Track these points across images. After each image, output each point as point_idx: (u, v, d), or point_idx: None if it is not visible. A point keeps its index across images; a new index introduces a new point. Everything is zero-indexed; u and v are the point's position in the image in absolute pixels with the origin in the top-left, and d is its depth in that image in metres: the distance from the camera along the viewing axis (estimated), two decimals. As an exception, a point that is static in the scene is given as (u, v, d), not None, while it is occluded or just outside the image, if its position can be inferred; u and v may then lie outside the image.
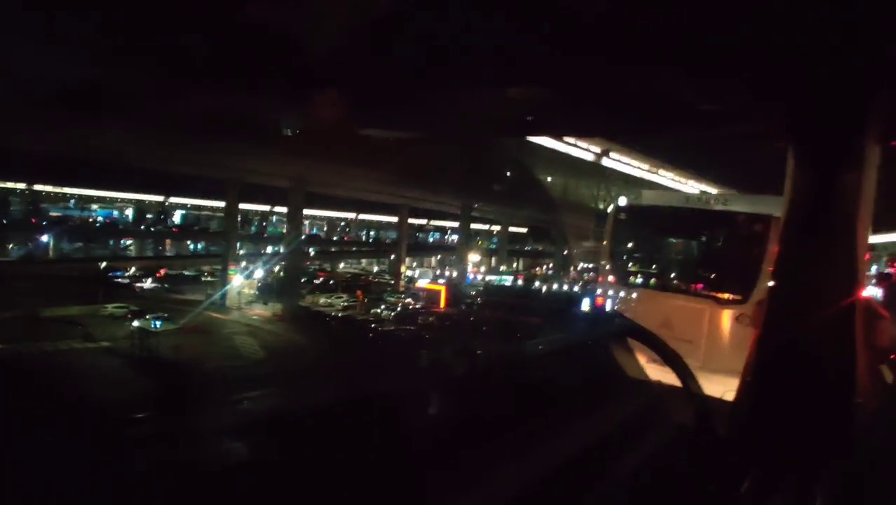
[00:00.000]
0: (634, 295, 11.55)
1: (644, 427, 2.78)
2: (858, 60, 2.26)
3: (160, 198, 58.73)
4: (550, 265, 64.31)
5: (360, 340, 31.11)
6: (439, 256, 69.99)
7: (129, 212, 61.32)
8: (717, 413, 2.74)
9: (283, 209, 47.73)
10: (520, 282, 59.62)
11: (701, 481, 2.40)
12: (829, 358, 2.45)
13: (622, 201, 12.62)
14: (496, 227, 65.79)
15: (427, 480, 1.98)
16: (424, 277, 55.27)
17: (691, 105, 3.34)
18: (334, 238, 73.40)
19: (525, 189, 40.98)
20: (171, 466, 1.69)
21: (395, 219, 58.69)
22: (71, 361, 23.07)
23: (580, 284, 48.97)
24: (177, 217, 64.15)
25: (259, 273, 43.70)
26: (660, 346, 2.88)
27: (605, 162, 35.27)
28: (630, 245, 12.43)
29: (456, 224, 58.62)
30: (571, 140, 31.96)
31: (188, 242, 62.71)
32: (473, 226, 64.53)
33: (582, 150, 31.78)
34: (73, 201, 56.75)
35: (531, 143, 28.85)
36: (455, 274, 54.82)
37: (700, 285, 11.12)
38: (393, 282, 52.08)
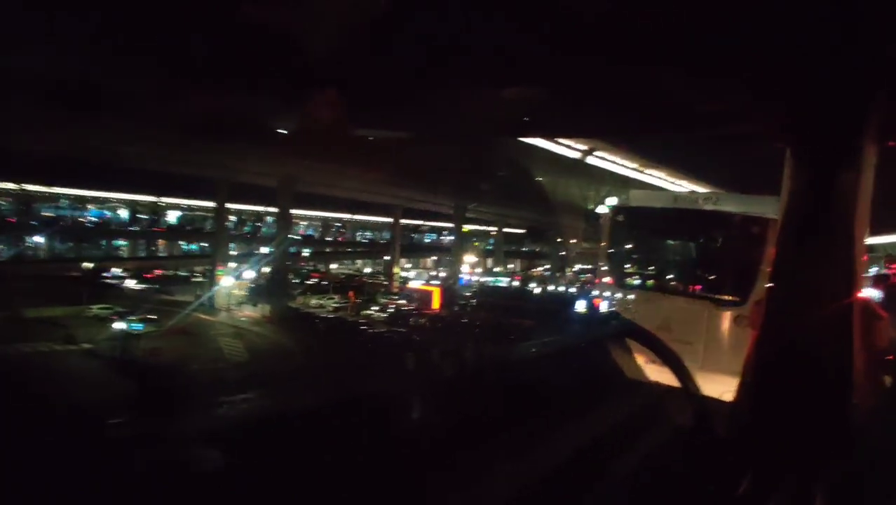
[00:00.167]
0: (632, 297, 11.57)
1: (643, 428, 2.78)
2: (858, 60, 2.26)
3: (152, 198, 58.49)
4: (548, 267, 64.32)
5: (347, 342, 30.90)
6: (435, 258, 69.99)
7: (123, 212, 61.04)
8: (716, 414, 2.75)
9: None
10: (515, 283, 59.63)
11: (699, 482, 2.40)
12: (828, 358, 2.45)
13: (612, 202, 12.68)
14: (494, 229, 65.86)
15: (421, 482, 1.96)
16: (419, 279, 55.30)
17: (691, 105, 3.35)
18: (329, 239, 73.31)
19: (519, 190, 40.86)
20: (138, 470, 1.66)
21: (390, 220, 58.69)
22: (48, 363, 22.72)
23: (577, 285, 49.12)
24: (171, 217, 63.89)
25: (249, 274, 43.44)
26: (658, 346, 2.88)
27: (598, 162, 35.01)
28: (628, 247, 12.45)
29: (452, 225, 58.59)
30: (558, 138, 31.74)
31: (181, 243, 62.48)
32: (471, 227, 64.58)
33: (565, 147, 31.45)
34: (65, 201, 56.46)
35: (525, 143, 28.74)
36: (449, 275, 54.84)
37: (698, 287, 11.14)
38: (387, 283, 52.05)
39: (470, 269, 57.48)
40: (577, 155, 32.23)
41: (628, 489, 2.38)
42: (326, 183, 43.67)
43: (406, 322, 36.36)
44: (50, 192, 53.04)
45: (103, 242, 57.55)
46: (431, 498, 1.97)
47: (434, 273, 62.35)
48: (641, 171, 35.33)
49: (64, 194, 54.64)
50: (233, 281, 41.17)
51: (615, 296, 11.70)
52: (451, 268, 56.23)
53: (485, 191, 46.52)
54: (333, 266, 63.13)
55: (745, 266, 9.57)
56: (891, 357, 3.21)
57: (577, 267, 53.22)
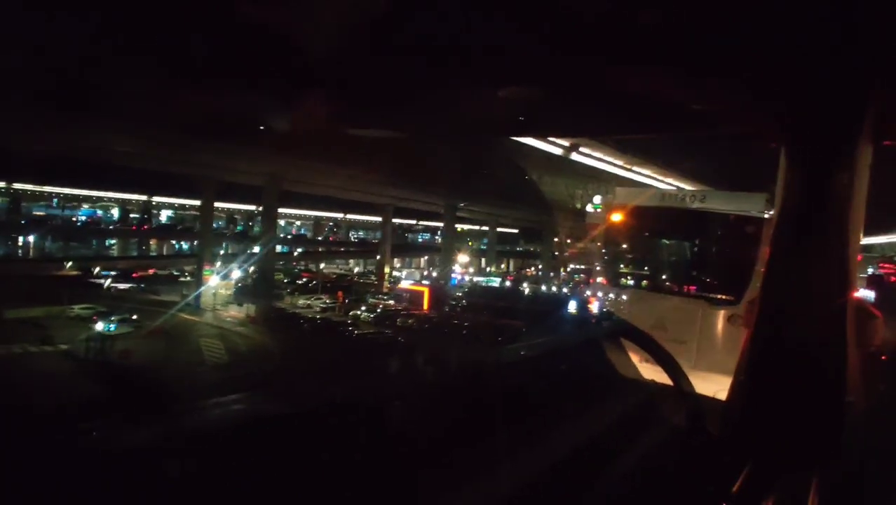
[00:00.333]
0: (626, 296, 11.61)
1: (637, 427, 2.78)
2: (857, 60, 2.27)
3: (144, 197, 58.19)
4: (540, 266, 64.31)
5: (331, 343, 30.48)
6: (427, 257, 69.92)
7: (115, 211, 60.70)
8: (710, 413, 2.74)
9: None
10: (508, 283, 59.54)
11: (694, 481, 2.40)
12: (821, 358, 2.46)
13: (598, 200, 12.78)
14: (487, 228, 65.79)
15: (413, 481, 1.96)
16: (410, 278, 55.15)
17: (689, 105, 3.35)
18: (321, 238, 73.12)
19: (511, 189, 40.67)
20: (100, 476, 1.63)
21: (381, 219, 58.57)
22: (21, 364, 22.53)
23: (570, 285, 49.08)
24: (163, 217, 63.58)
25: (236, 273, 43.05)
26: (652, 346, 2.87)
27: (583, 159, 34.64)
28: (622, 246, 12.50)
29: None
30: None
31: (173, 242, 62.18)
32: (465, 227, 64.49)
33: (549, 143, 31.16)
34: (55, 200, 56.09)
35: (516, 141, 28.59)
36: (440, 275, 54.73)
37: (692, 286, 11.20)
38: (377, 283, 51.86)
39: (463, 268, 57.41)
40: (559, 151, 31.81)
41: (623, 488, 2.38)
42: (309, 181, 43.38)
43: (394, 323, 36.15)
44: (40, 191, 52.71)
45: (94, 242, 57.20)
46: (424, 498, 1.96)
47: (426, 272, 62.24)
48: (628, 169, 35.15)
49: (55, 193, 54.33)
50: (219, 280, 40.77)
51: (609, 295, 11.75)
52: (441, 267, 56.12)
53: (475, 189, 46.30)
54: (325, 266, 62.96)
55: (738, 265, 9.60)
56: (884, 357, 3.23)
57: (571, 267, 53.21)
